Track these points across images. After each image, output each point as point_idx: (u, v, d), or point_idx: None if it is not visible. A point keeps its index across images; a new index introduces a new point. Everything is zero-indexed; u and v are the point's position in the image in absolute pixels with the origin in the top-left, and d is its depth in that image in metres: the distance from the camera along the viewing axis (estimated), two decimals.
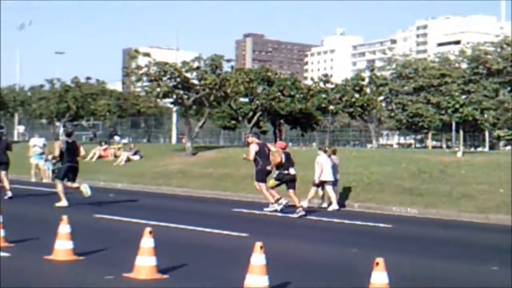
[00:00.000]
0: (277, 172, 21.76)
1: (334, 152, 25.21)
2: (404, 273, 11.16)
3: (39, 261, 11.25)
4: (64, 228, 11.28)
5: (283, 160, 21.52)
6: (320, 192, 24.12)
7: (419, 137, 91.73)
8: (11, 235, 12.66)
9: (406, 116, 66.24)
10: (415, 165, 27.90)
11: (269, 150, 22.05)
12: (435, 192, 24.16)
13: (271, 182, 21.81)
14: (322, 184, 23.77)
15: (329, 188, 23.70)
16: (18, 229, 14.28)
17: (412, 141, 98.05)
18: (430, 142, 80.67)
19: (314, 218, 20.58)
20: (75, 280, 10.17)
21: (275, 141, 58.43)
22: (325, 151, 24.55)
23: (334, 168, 24.15)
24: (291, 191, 21.58)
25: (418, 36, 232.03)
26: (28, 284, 9.91)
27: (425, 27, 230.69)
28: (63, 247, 11.28)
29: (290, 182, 21.63)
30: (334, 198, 23.59)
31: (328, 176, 23.68)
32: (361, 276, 9.61)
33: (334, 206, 23.45)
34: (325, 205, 23.92)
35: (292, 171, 21.70)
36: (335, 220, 20.08)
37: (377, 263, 8.14)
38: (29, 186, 28.96)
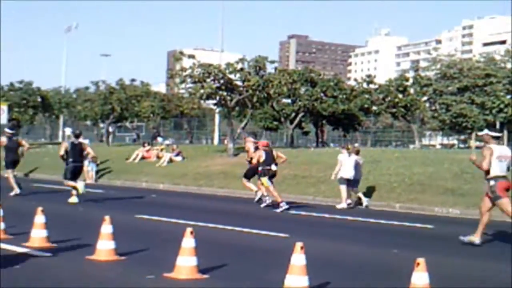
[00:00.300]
0: (260, 168, 22.99)
1: (357, 152, 25.26)
2: (445, 274, 11.07)
3: (81, 261, 11.36)
4: (106, 228, 11.39)
5: (262, 158, 22.84)
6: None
7: (462, 137, 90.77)
8: (54, 235, 12.84)
9: (450, 117, 65.41)
10: (457, 165, 27.65)
11: (257, 148, 24.00)
12: (477, 193, 23.81)
13: (263, 180, 22.92)
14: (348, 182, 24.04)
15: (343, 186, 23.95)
16: (61, 229, 14.44)
17: (455, 142, 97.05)
18: (473, 143, 79.76)
19: (358, 218, 20.54)
20: (116, 280, 10.25)
21: (317, 142, 58.70)
22: (347, 149, 24.81)
23: (357, 167, 24.28)
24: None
25: (463, 36, 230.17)
26: (70, 284, 10.00)
27: (471, 27, 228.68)
28: (105, 247, 11.40)
29: (271, 177, 22.97)
30: (344, 197, 23.89)
31: (344, 173, 23.93)
32: (402, 276, 9.57)
33: (343, 204, 23.86)
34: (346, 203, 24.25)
35: (273, 167, 22.97)
36: (376, 220, 20.01)
37: (418, 264, 8.12)
38: None
